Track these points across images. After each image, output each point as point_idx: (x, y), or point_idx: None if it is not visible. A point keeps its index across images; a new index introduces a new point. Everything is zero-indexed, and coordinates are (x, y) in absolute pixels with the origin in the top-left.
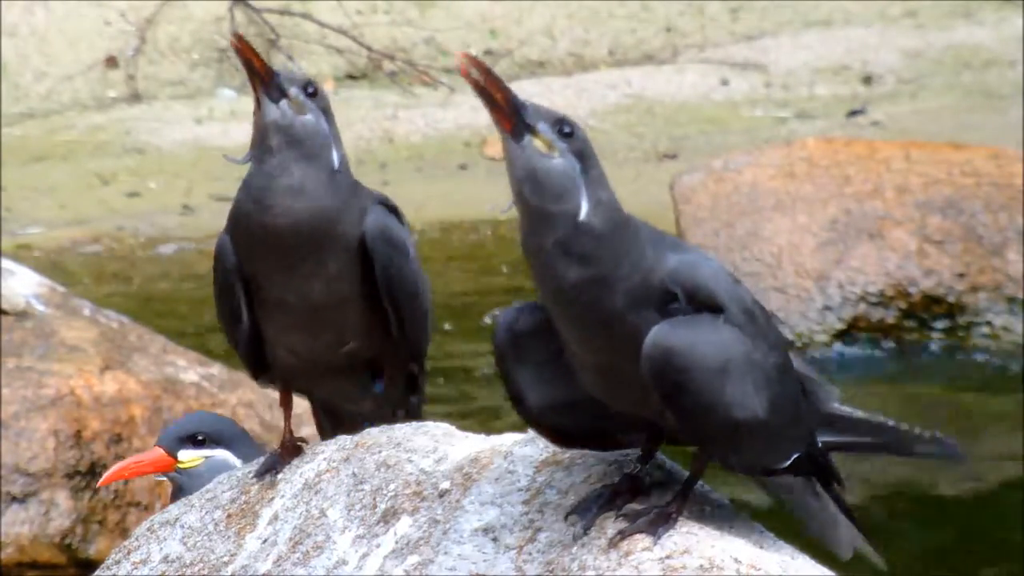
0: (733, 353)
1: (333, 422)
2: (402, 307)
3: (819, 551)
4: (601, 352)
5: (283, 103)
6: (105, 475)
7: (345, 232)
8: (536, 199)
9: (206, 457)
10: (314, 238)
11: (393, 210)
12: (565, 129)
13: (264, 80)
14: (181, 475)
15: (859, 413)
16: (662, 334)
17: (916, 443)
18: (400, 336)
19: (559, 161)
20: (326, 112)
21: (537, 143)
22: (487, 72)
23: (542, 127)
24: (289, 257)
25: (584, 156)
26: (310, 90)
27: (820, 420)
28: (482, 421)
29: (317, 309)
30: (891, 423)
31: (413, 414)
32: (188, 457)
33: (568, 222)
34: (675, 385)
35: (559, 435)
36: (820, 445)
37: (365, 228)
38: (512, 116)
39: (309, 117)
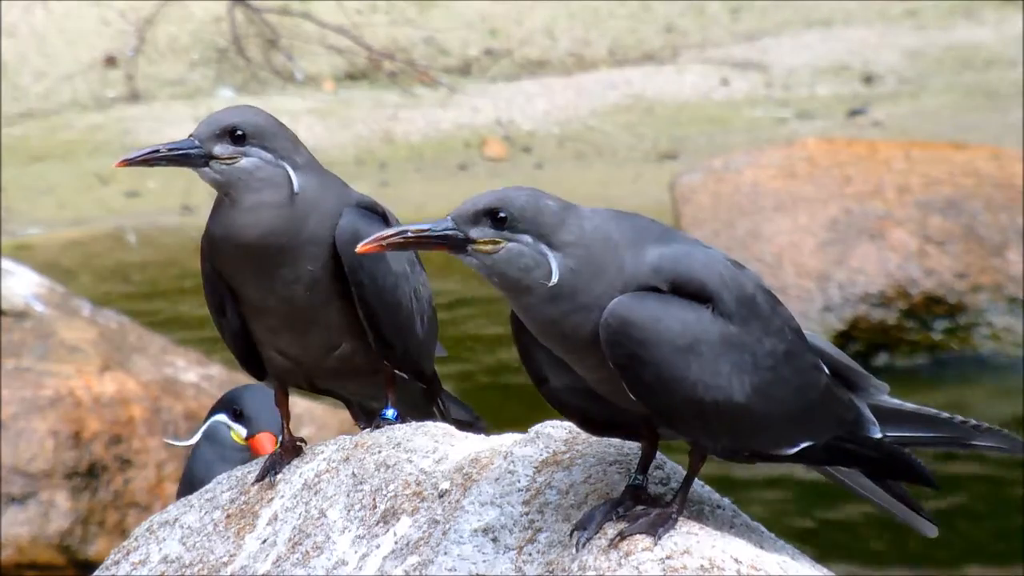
0: (705, 333)
1: (366, 413)
2: (375, 311)
3: (819, 552)
4: (593, 369)
5: (212, 164)
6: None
7: (315, 239)
8: (509, 286)
9: None
10: (281, 250)
11: (380, 214)
12: (499, 216)
13: (177, 162)
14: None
15: (910, 406)
16: (622, 305)
17: (975, 435)
18: (377, 341)
19: (505, 251)
20: (265, 140)
21: (480, 247)
22: (392, 239)
23: (475, 232)
24: (263, 267)
25: (530, 223)
26: (238, 134)
27: (872, 414)
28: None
29: (299, 310)
30: (945, 415)
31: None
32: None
33: (543, 288)
34: (630, 357)
35: (585, 420)
36: (881, 438)
37: (336, 231)
38: (444, 244)
39: (242, 163)
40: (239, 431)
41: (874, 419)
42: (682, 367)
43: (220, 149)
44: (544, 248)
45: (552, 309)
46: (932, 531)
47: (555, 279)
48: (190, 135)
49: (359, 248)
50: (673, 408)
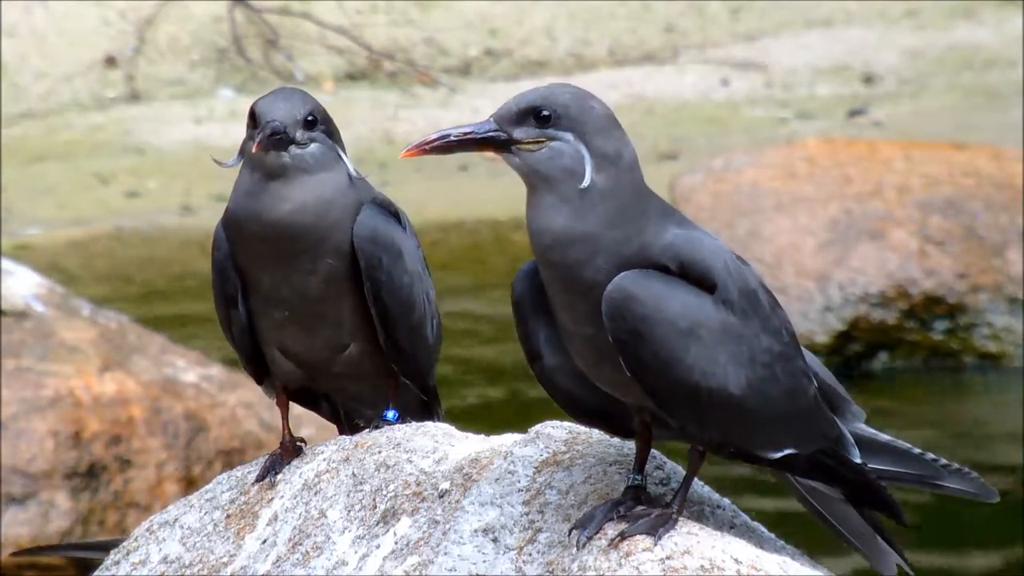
0: (707, 319)
1: (351, 426)
2: (390, 310)
3: (818, 551)
4: (585, 323)
5: (291, 150)
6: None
7: (339, 226)
8: (547, 187)
9: None
10: (306, 233)
11: (394, 213)
12: (542, 114)
13: (275, 148)
14: None
15: (884, 437)
16: (628, 280)
17: (945, 476)
18: (389, 343)
19: (548, 150)
20: (328, 125)
21: (524, 147)
22: (436, 143)
23: (518, 133)
24: (284, 251)
25: (574, 122)
26: (309, 119)
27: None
28: (481, 421)
29: (310, 303)
30: (917, 451)
31: None
32: None
33: (573, 190)
34: (631, 333)
35: (571, 403)
36: (863, 463)
37: (355, 226)
38: (489, 144)
39: (311, 148)
40: None
41: (854, 442)
42: (680, 349)
43: (300, 134)
44: (583, 149)
45: (565, 219)
46: (891, 569)
47: (586, 182)
48: (274, 120)
49: (403, 153)
50: (666, 390)
